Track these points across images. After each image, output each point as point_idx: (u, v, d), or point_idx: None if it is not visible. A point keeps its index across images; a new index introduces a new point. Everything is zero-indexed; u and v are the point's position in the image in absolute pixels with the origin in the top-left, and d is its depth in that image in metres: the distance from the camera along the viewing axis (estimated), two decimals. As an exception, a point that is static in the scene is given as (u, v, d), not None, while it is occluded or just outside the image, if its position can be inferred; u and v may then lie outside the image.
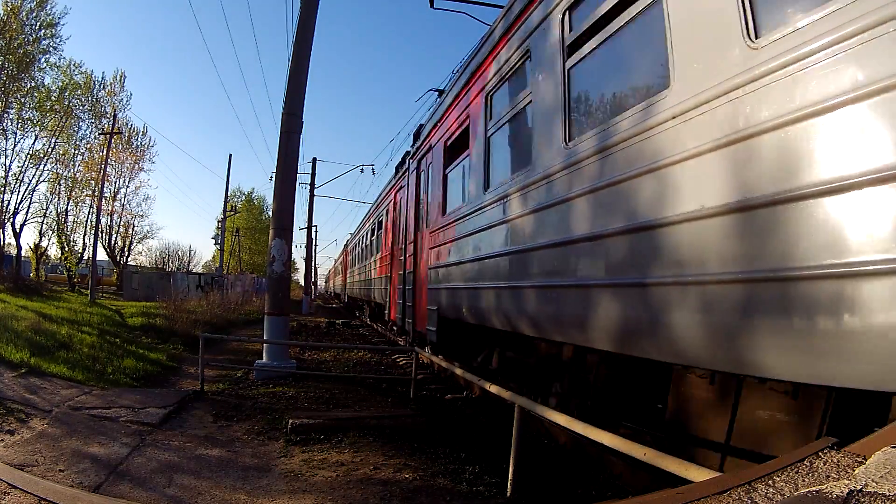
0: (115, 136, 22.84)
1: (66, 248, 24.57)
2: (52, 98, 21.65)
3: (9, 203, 21.25)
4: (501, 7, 6.29)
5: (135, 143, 30.66)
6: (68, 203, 24.91)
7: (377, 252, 13.89)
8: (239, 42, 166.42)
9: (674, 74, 2.53)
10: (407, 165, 9.56)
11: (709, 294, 2.32)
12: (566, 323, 3.59)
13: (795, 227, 1.91)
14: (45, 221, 24.19)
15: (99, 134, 23.94)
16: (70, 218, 25.49)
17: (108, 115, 24.27)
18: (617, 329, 3.02)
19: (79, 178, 24.88)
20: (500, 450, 4.22)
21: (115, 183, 29.60)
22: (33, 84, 20.77)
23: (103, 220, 27.34)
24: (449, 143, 6.52)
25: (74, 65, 23.10)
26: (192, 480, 3.65)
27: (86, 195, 25.30)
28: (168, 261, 47.57)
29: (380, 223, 13.62)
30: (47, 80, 21.57)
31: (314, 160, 30.46)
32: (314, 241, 42.72)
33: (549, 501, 3.56)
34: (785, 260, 1.95)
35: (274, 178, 9.00)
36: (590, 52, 3.34)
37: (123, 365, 7.40)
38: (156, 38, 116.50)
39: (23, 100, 20.45)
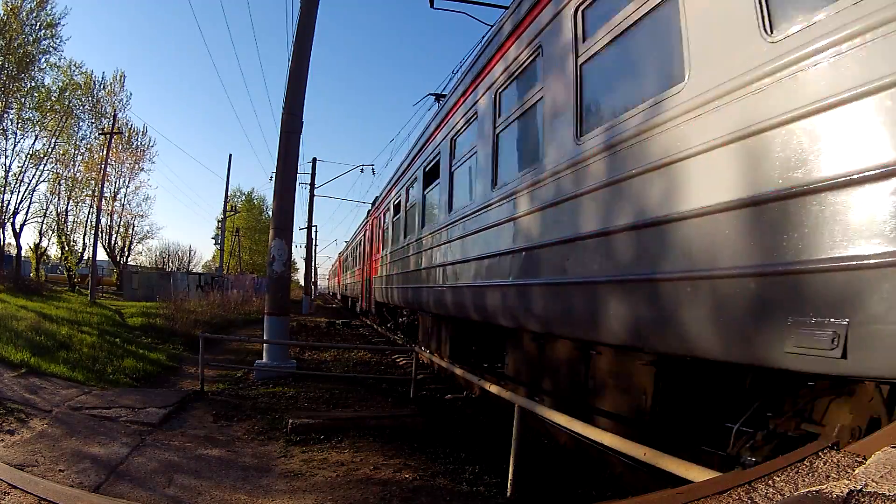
0: (115, 136, 22.82)
1: (66, 248, 24.54)
2: (52, 98, 21.58)
3: (9, 203, 21.20)
4: (502, 7, 6.34)
5: (135, 143, 30.63)
6: (68, 203, 24.88)
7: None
8: (239, 42, 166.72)
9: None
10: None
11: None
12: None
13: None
14: (45, 221, 24.14)
15: (99, 134, 23.91)
16: (70, 218, 25.46)
17: (108, 115, 24.25)
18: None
19: (79, 178, 24.85)
20: (500, 450, 4.22)
21: (115, 183, 29.58)
22: (33, 84, 20.70)
23: (103, 220, 27.33)
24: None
25: (74, 65, 23.06)
26: (192, 480, 3.65)
27: (86, 195, 25.29)
28: (168, 261, 47.61)
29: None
30: (47, 80, 21.52)
31: (314, 160, 30.45)
32: (314, 241, 42.82)
33: (549, 501, 3.56)
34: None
35: (274, 178, 9.00)
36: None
37: (123, 365, 7.40)
38: (156, 38, 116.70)
39: (23, 100, 20.38)
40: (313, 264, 41.32)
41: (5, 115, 19.95)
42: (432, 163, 7.57)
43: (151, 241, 46.02)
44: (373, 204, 16.15)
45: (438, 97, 10.92)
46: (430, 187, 7.78)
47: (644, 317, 2.82)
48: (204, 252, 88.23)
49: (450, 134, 6.53)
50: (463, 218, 5.77)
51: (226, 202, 33.15)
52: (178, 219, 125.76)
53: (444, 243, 6.53)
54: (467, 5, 8.02)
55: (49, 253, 26.45)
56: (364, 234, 17.66)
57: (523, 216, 4.26)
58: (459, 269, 5.89)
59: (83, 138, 24.68)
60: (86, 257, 24.78)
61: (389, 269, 11.09)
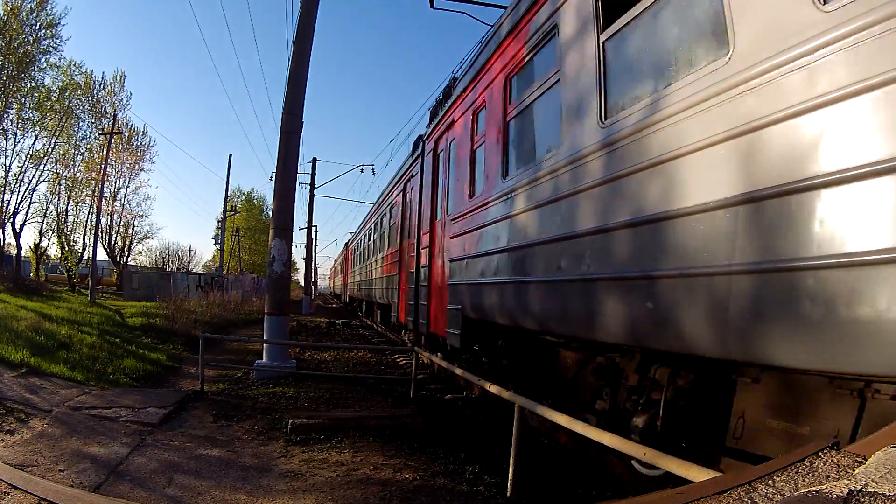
0: (115, 136, 22.81)
1: (66, 248, 24.52)
2: (52, 98, 21.60)
3: (9, 203, 21.20)
4: (502, 7, 6.35)
5: (135, 143, 30.63)
6: (68, 203, 24.88)
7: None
8: (239, 42, 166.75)
9: None
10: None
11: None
12: None
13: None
14: (45, 221, 24.13)
15: (99, 134, 23.92)
16: (70, 218, 25.45)
17: (108, 115, 24.27)
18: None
19: (79, 178, 24.86)
20: (500, 450, 4.22)
21: (115, 183, 29.60)
22: (33, 84, 20.70)
23: (103, 220, 27.33)
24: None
25: (74, 65, 23.10)
26: (192, 480, 3.66)
27: (86, 195, 25.29)
28: (168, 261, 47.54)
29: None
30: (47, 80, 21.53)
31: (314, 160, 30.52)
32: (314, 241, 42.81)
33: (549, 501, 3.56)
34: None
35: (274, 178, 9.00)
36: None
37: (123, 365, 7.40)
38: (156, 38, 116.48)
39: (23, 100, 20.38)
40: (313, 264, 41.38)
41: (5, 115, 19.97)
42: None
43: (151, 241, 45.89)
44: (430, 124, 7.86)
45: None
46: None
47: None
48: (204, 252, 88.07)
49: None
50: None
51: (226, 202, 33.19)
52: (178, 219, 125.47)
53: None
54: (467, 5, 8.00)
55: (49, 253, 26.44)
56: (408, 190, 9.53)
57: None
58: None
59: (83, 138, 24.74)
60: (86, 257, 24.78)
61: (538, 228, 4.00)
